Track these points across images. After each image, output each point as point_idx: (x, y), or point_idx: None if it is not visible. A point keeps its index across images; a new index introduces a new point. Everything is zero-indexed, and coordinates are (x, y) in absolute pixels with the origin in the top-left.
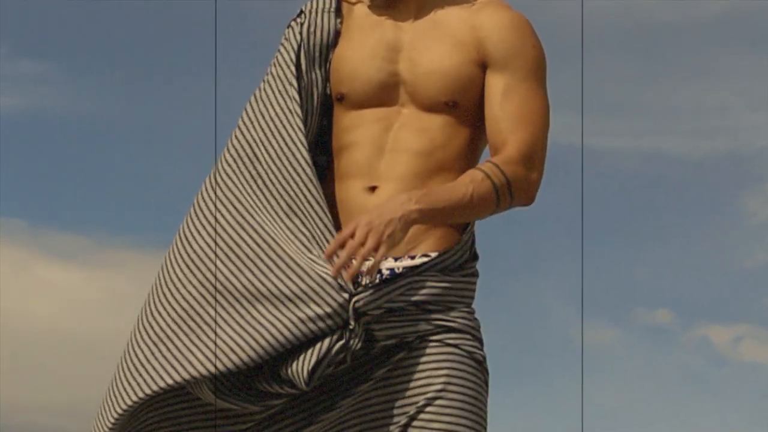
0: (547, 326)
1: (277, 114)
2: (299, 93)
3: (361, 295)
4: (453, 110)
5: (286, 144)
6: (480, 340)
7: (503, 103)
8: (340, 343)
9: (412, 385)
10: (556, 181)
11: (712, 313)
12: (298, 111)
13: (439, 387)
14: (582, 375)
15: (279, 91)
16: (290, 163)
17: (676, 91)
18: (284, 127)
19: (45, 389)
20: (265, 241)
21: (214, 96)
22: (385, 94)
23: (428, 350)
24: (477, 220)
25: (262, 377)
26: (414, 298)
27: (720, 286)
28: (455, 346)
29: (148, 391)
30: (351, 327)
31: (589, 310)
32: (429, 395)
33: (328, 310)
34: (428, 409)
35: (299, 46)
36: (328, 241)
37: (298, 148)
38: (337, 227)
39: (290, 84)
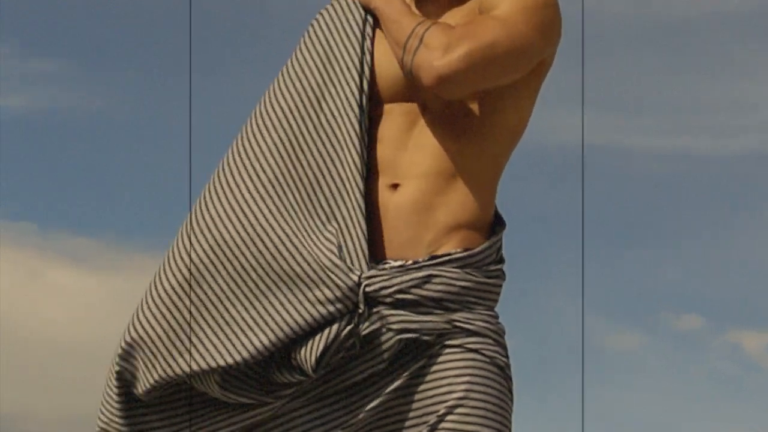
0: (564, 332)
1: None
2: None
3: (372, 279)
4: (480, 103)
5: (345, 160)
6: (503, 346)
7: (480, 18)
8: (349, 327)
9: (432, 393)
10: (577, 181)
11: (744, 319)
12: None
13: (460, 395)
14: (582, 375)
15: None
16: (339, 175)
17: (703, 87)
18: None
19: (55, 398)
20: (281, 227)
21: (230, 97)
22: (408, 90)
23: (449, 356)
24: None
25: (273, 366)
26: (430, 293)
27: (751, 289)
28: (476, 351)
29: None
30: (360, 311)
31: (614, 315)
32: (450, 403)
33: (338, 293)
34: (449, 417)
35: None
36: (354, 236)
37: (354, 166)
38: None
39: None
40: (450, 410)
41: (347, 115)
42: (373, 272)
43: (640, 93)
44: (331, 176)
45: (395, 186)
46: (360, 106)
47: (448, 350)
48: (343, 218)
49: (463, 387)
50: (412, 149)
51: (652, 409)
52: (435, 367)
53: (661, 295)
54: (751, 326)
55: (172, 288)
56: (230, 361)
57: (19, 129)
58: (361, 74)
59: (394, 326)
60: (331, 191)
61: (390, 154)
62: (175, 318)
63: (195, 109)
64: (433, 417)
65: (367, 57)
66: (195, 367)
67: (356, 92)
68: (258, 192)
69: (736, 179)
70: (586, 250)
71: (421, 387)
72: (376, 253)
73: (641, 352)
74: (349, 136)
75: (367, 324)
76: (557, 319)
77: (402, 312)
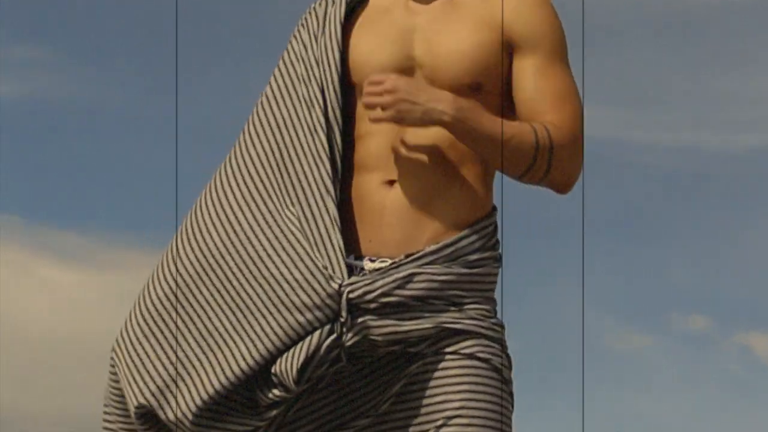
0: (569, 331)
1: (299, 120)
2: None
3: (354, 285)
4: (476, 94)
5: (311, 153)
6: (498, 341)
7: (538, 84)
8: (332, 337)
9: (428, 401)
10: (585, 178)
11: (754, 320)
12: (320, 119)
13: (458, 404)
14: (582, 375)
15: (295, 92)
16: (312, 172)
17: (714, 79)
18: (306, 136)
19: (42, 396)
20: (262, 231)
21: (227, 89)
22: None
23: (444, 364)
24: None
25: (256, 385)
26: (413, 292)
27: (762, 290)
28: (471, 356)
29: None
30: (342, 320)
31: (621, 315)
32: (447, 413)
33: (317, 300)
34: (445, 430)
35: (315, 34)
36: (324, 236)
37: (321, 161)
38: (353, 222)
39: (307, 84)
40: (446, 421)
41: (314, 112)
42: (354, 278)
43: (648, 85)
44: (305, 176)
45: (391, 183)
46: (324, 100)
47: (442, 358)
48: (315, 221)
49: (459, 396)
50: (408, 144)
51: (659, 412)
52: (430, 375)
53: (668, 295)
54: (761, 327)
55: (159, 299)
56: (214, 389)
57: (3, 119)
58: (329, 64)
59: (380, 337)
60: (303, 191)
61: (384, 149)
62: (161, 330)
63: (183, 102)
64: (430, 426)
65: (331, 43)
66: (183, 406)
67: (317, 87)
68: (244, 199)
69: (747, 175)
70: (591, 248)
71: (418, 394)
72: (371, 252)
73: (648, 354)
74: (316, 132)
75: (351, 335)
76: (562, 319)
77: (387, 321)
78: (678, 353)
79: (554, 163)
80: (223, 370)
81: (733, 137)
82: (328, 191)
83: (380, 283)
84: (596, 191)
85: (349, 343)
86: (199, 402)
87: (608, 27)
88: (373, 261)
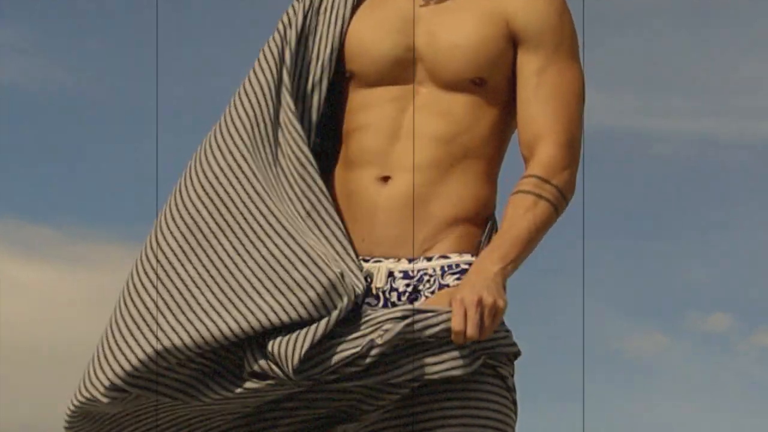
0: (587, 335)
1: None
2: (294, 74)
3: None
4: (479, 89)
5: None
6: (504, 354)
7: (537, 86)
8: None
9: (429, 416)
10: (597, 169)
11: None
12: (291, 105)
13: (459, 412)
14: (582, 375)
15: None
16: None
17: (732, 65)
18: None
19: (14, 406)
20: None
21: (202, 68)
22: (400, 71)
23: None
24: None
25: (248, 355)
26: (428, 332)
27: None
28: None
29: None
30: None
31: (636, 315)
32: (449, 414)
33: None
34: (446, 430)
35: (304, 19)
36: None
37: (300, 147)
38: (343, 220)
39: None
40: (449, 420)
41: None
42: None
43: (663, 71)
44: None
45: (386, 179)
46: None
47: None
48: (324, 222)
49: (463, 404)
50: (403, 138)
51: (676, 416)
52: (430, 388)
53: (686, 293)
54: None
55: (152, 268)
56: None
57: None
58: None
59: (396, 378)
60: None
61: (378, 144)
62: (150, 297)
63: (162, 86)
64: (434, 426)
65: (333, 29)
66: (159, 345)
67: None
68: (239, 155)
69: (767, 166)
70: (603, 243)
71: (423, 399)
72: (364, 252)
73: (665, 355)
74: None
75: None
76: (572, 318)
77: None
78: (696, 354)
79: (567, 196)
80: (205, 331)
81: (753, 126)
82: (322, 191)
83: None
84: (607, 183)
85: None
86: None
87: (616, 9)
88: (366, 261)
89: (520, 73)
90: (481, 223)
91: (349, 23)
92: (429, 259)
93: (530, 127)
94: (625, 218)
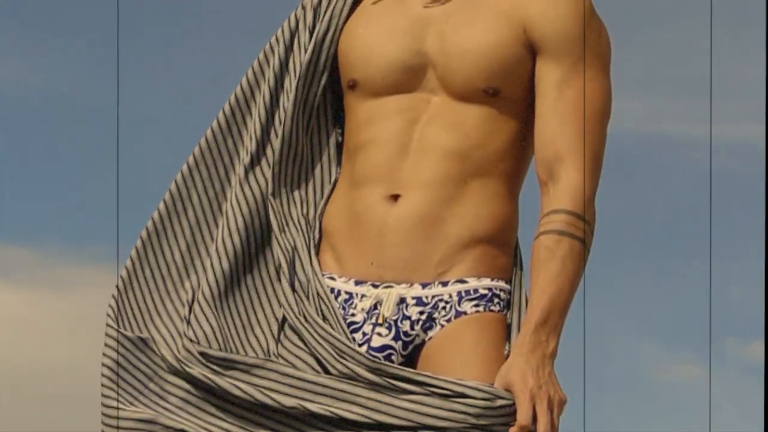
0: (617, 360)
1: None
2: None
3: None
4: (493, 100)
5: None
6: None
7: (557, 100)
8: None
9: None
10: (625, 179)
11: None
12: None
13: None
14: (584, 389)
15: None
16: None
17: None
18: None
19: None
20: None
21: (191, 72)
22: (408, 78)
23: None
24: None
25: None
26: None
27: None
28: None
29: None
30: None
31: (669, 341)
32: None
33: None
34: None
35: (293, 34)
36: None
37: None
38: (347, 242)
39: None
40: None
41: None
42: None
43: (701, 72)
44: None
45: (395, 197)
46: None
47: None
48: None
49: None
50: (413, 152)
51: None
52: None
53: (725, 318)
54: None
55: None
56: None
57: None
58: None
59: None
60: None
61: (387, 160)
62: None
63: (171, 89)
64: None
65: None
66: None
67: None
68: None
69: None
70: (630, 260)
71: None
72: (373, 276)
73: (702, 386)
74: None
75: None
76: (610, 347)
77: None
78: (734, 386)
79: (593, 224)
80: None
81: None
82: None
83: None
84: (636, 193)
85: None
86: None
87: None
88: (376, 287)
89: (539, 85)
90: (501, 245)
91: (341, 32)
92: (444, 284)
93: (549, 146)
94: (654, 233)
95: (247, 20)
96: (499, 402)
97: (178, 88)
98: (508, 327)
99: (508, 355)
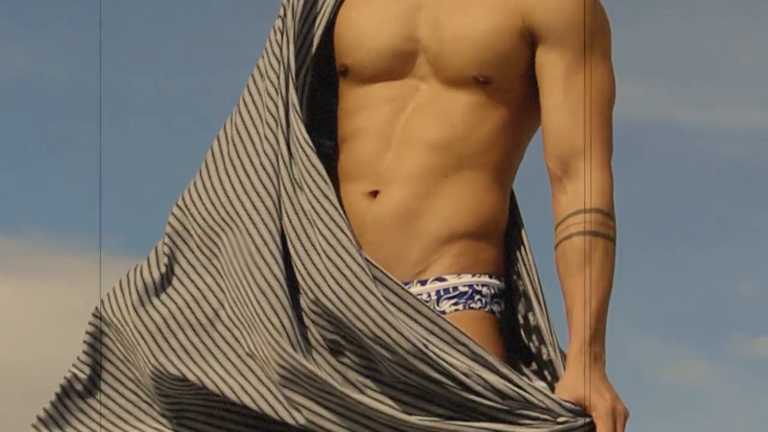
0: (617, 358)
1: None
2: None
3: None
4: (484, 88)
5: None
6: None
7: (566, 91)
8: None
9: None
10: (628, 167)
11: None
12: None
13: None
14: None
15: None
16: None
17: None
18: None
19: None
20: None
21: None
22: (399, 64)
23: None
24: None
25: None
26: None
27: None
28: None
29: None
30: None
31: (673, 338)
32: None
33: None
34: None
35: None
36: None
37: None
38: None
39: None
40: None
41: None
42: None
43: (706, 60)
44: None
45: (374, 193)
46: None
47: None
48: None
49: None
50: (395, 145)
51: None
52: None
53: (730, 313)
54: None
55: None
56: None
57: None
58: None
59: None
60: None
61: (370, 152)
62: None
63: (159, 75)
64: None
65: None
66: None
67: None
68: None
69: None
70: (634, 252)
71: None
72: None
73: (707, 384)
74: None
75: None
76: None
77: None
78: (740, 383)
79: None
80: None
81: None
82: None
83: None
84: (641, 182)
85: None
86: None
87: None
88: None
89: (543, 77)
90: (486, 238)
91: (335, 17)
92: (423, 283)
93: (565, 139)
94: (659, 223)
95: (235, 6)
96: (581, 421)
97: (163, 76)
98: (512, 319)
99: (544, 360)
